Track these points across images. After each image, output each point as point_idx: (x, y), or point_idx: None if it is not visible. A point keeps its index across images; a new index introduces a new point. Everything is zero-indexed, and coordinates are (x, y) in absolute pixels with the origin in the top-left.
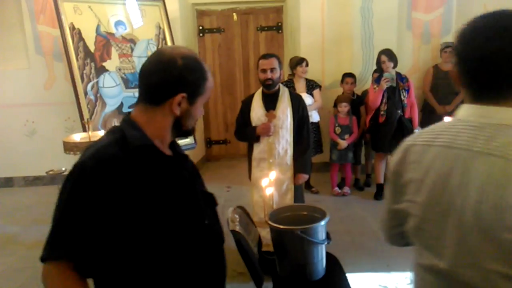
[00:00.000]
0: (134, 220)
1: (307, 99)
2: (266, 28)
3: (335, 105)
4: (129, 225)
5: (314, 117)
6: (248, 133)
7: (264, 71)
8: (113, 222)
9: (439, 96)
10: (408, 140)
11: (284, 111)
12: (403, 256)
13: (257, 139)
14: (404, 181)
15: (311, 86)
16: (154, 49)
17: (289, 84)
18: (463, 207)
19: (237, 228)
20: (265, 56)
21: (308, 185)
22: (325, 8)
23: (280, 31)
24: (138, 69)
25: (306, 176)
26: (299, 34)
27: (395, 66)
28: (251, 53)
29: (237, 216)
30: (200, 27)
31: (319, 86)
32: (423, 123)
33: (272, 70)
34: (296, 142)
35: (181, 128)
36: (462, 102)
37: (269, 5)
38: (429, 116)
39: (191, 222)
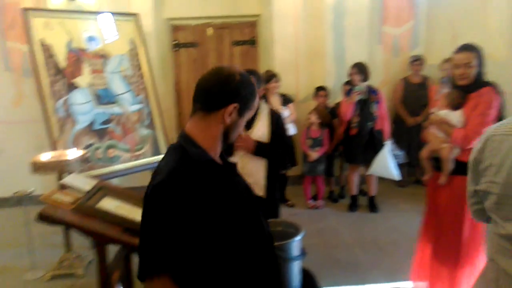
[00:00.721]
0: (213, 229)
1: (284, 112)
2: (241, 43)
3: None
4: (210, 234)
5: (291, 130)
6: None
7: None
8: (199, 233)
9: (409, 108)
10: (487, 132)
11: (261, 129)
12: (378, 268)
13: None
14: (484, 166)
15: (286, 100)
16: (127, 64)
17: (263, 100)
18: None
19: None
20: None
21: (283, 199)
22: (299, 23)
23: (255, 45)
24: (110, 85)
25: None
26: (273, 49)
27: (366, 79)
28: None
29: None
30: (175, 42)
31: (292, 101)
32: (394, 135)
33: None
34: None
35: (227, 139)
36: (431, 113)
37: (244, 19)
38: (400, 128)
39: (256, 227)
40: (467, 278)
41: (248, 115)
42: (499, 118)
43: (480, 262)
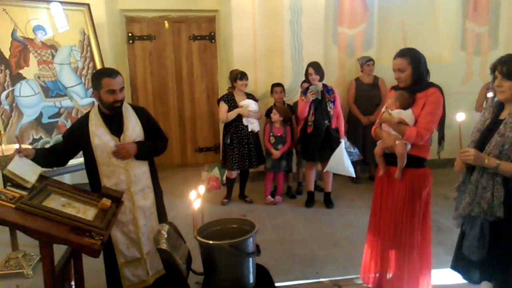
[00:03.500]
0: None
1: (253, 105)
2: (199, 37)
3: (268, 115)
4: None
5: (256, 126)
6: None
7: (113, 92)
8: None
9: (362, 107)
10: None
11: (135, 129)
12: (333, 262)
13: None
14: None
15: (251, 99)
16: (77, 55)
17: (230, 98)
18: None
19: (164, 246)
20: (112, 74)
21: (242, 195)
22: (256, 20)
23: (213, 41)
24: (59, 77)
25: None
26: (231, 45)
27: (321, 79)
28: (184, 61)
29: (164, 233)
30: (130, 34)
31: (257, 100)
32: (349, 133)
33: (121, 89)
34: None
35: None
36: (383, 112)
37: (201, 14)
38: (355, 126)
39: None
40: (419, 266)
41: None
42: (442, 116)
43: (429, 246)
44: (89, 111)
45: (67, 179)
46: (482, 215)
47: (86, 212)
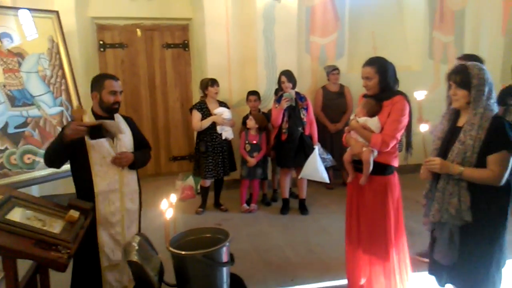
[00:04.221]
0: None
1: (227, 113)
2: (172, 46)
3: (244, 123)
4: None
5: (230, 134)
6: (53, 141)
7: (114, 93)
8: None
9: (330, 115)
10: None
11: (128, 137)
12: (308, 269)
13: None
14: None
15: (224, 107)
16: (45, 64)
17: (203, 106)
18: None
19: (135, 258)
20: (114, 77)
21: (217, 203)
22: (230, 28)
23: (186, 49)
24: (26, 85)
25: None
26: (205, 53)
27: (294, 86)
28: (157, 70)
29: (135, 245)
30: (101, 42)
31: (229, 108)
32: (319, 140)
33: (121, 93)
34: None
35: None
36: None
37: (174, 22)
38: (323, 134)
39: None
40: (398, 265)
41: None
42: (409, 124)
43: (405, 251)
44: None
45: (34, 191)
46: (451, 220)
47: (53, 225)
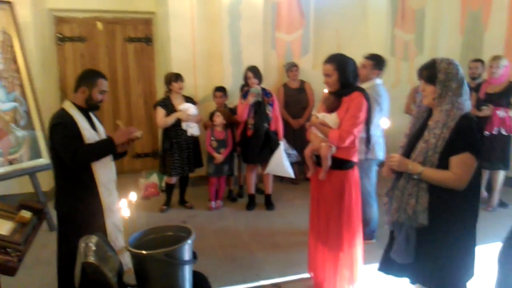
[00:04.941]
0: None
1: (193, 109)
2: (135, 40)
3: (211, 118)
4: None
5: (195, 130)
6: (101, 147)
7: (104, 92)
8: None
9: (291, 111)
10: None
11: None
12: (273, 264)
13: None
14: None
15: (190, 103)
16: None
17: (167, 102)
18: None
19: (91, 260)
20: (105, 77)
21: (182, 201)
22: (195, 23)
23: (150, 44)
24: None
25: None
26: (169, 48)
27: (260, 82)
28: (119, 64)
29: (92, 245)
30: (59, 35)
31: (196, 103)
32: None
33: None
34: None
35: None
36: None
37: (137, 16)
38: (285, 130)
39: None
40: (349, 260)
41: None
42: (367, 120)
43: (358, 246)
44: (61, 109)
45: None
46: (407, 221)
47: (2, 226)
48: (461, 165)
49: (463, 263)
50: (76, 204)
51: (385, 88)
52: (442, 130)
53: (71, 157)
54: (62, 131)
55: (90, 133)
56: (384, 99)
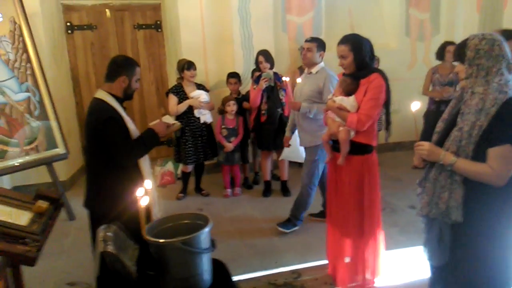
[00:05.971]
0: None
1: (205, 96)
2: (144, 26)
3: (223, 106)
4: None
5: (208, 117)
6: (149, 141)
7: (139, 81)
8: None
9: None
10: None
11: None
12: (290, 251)
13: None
14: None
15: (202, 89)
16: (8, 47)
17: (179, 89)
18: None
19: (109, 249)
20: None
21: (198, 188)
22: (204, 7)
23: (159, 30)
24: None
25: None
26: (179, 34)
27: (272, 66)
28: (129, 52)
29: (110, 234)
30: (68, 24)
31: (208, 90)
32: None
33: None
34: None
35: None
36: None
37: (145, 2)
38: None
39: None
40: (372, 249)
41: None
42: (386, 101)
43: (380, 233)
44: (100, 100)
45: (6, 181)
46: (440, 217)
47: (19, 217)
48: (500, 159)
49: (497, 273)
50: (123, 202)
51: None
52: (477, 116)
53: (128, 155)
54: (115, 127)
55: (132, 126)
56: (335, 79)
